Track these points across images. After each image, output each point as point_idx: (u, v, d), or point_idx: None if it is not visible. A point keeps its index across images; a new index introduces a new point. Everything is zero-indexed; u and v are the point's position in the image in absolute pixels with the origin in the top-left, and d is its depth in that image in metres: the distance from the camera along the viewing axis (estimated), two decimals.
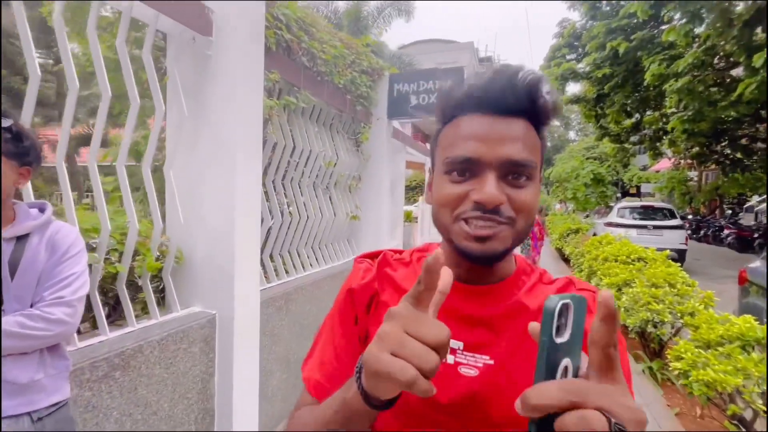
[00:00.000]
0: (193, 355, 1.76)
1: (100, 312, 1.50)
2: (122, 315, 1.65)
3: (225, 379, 1.88)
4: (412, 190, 10.56)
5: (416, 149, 5.77)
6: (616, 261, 4.35)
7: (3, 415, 0.94)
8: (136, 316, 1.67)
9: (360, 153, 3.76)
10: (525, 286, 0.57)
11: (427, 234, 6.67)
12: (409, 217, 9.48)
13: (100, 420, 1.38)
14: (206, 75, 1.87)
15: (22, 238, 1.04)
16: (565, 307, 0.32)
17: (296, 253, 2.85)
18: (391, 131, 4.09)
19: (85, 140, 10.34)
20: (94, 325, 1.55)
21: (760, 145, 11.68)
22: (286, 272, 2.71)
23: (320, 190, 3.18)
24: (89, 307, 1.48)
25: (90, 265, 1.45)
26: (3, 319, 0.95)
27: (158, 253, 1.80)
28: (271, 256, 2.59)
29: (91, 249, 1.50)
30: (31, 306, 1.02)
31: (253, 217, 1.96)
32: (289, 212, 2.71)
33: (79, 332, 1.46)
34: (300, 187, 2.90)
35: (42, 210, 1.12)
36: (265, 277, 2.50)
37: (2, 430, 0.93)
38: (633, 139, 13.91)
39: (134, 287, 1.77)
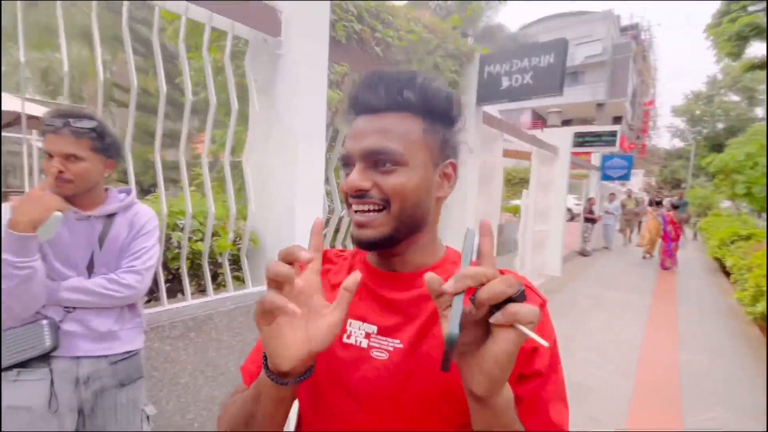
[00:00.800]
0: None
1: (185, 281, 1.79)
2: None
3: None
4: (516, 185, 9.69)
5: (518, 136, 5.24)
6: None
7: (87, 355, 1.19)
8: (215, 289, 1.94)
9: None
10: (446, 274, 0.52)
11: (530, 229, 6.04)
12: (516, 212, 8.76)
13: (177, 371, 1.65)
14: (276, 73, 2.02)
15: (110, 217, 1.29)
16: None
17: None
18: (481, 118, 3.79)
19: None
20: (172, 294, 1.85)
21: None
22: None
23: None
24: (176, 277, 1.78)
25: (178, 242, 1.74)
26: (91, 280, 1.20)
27: (235, 236, 2.05)
28: (344, 246, 2.70)
29: (179, 229, 1.80)
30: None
31: (314, 206, 2.06)
32: None
33: (165, 297, 1.76)
34: None
35: (128, 194, 1.37)
36: None
37: (85, 369, 1.19)
38: None
39: (217, 264, 2.05)
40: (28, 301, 1.09)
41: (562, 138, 7.24)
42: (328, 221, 2.58)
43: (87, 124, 1.19)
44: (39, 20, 6.89)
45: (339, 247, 2.68)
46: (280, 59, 2.00)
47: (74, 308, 1.18)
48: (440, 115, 0.57)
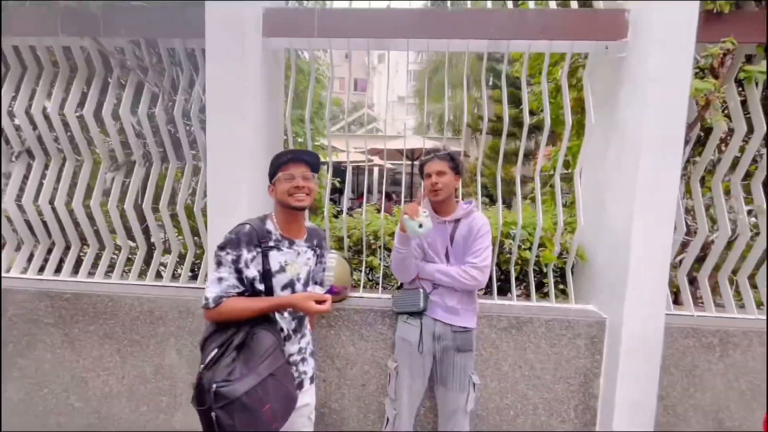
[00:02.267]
0: (577, 347, 1.90)
1: (512, 283, 2.04)
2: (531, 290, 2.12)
3: (609, 389, 1.84)
4: None
5: None
6: None
7: (440, 319, 1.67)
8: (539, 297, 2.07)
9: None
10: None
11: None
12: None
13: (499, 358, 1.93)
14: (617, 79, 1.86)
15: (457, 221, 1.73)
16: None
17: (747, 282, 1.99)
18: None
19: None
20: (502, 292, 2.12)
21: None
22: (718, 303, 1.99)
23: None
24: (507, 277, 2.07)
25: (510, 248, 2.03)
26: (451, 267, 1.67)
27: (563, 249, 2.08)
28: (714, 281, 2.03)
29: (511, 237, 2.08)
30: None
31: (659, 226, 1.72)
32: (750, 224, 1.95)
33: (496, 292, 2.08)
34: None
35: (470, 204, 1.78)
36: (676, 301, 2.02)
37: (439, 329, 1.67)
38: None
39: (543, 273, 2.17)
40: (405, 272, 1.69)
41: None
42: (686, 245, 2.04)
43: (444, 152, 1.68)
44: (440, 81, 9.78)
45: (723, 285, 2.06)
46: (622, 63, 1.83)
47: (438, 285, 1.69)
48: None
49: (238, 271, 1.24)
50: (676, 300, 2.14)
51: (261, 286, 1.27)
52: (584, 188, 2.08)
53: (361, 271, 2.11)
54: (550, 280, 2.07)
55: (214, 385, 1.08)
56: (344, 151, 2.17)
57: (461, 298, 1.68)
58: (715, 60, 1.76)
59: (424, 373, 1.70)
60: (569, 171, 2.18)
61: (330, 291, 1.51)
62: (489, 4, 2.00)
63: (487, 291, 2.15)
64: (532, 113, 2.29)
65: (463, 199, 1.83)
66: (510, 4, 1.96)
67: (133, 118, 2.14)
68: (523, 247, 2.08)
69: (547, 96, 1.98)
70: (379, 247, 2.13)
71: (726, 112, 1.92)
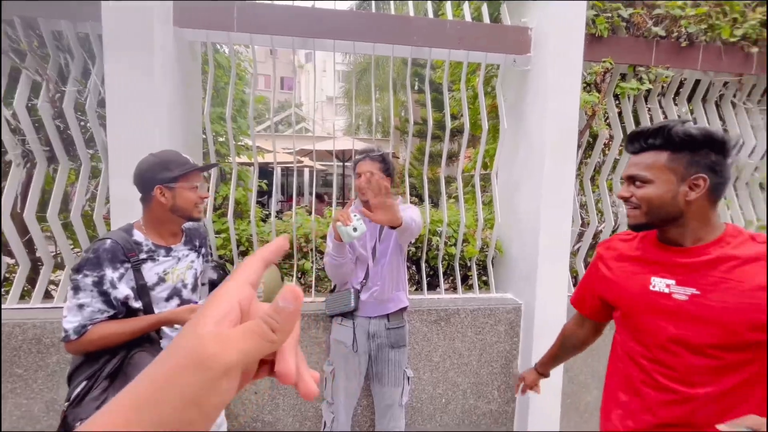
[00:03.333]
0: (498, 332, 2.08)
1: (440, 278, 2.16)
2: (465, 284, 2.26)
3: (525, 367, 2.05)
4: None
5: None
6: None
7: (373, 316, 1.70)
8: (465, 289, 2.22)
9: None
10: (723, 245, 0.90)
11: None
12: None
13: (431, 349, 2.03)
14: (524, 89, 2.08)
15: None
16: None
17: None
18: None
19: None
20: (432, 287, 2.24)
21: None
22: None
23: None
24: (435, 273, 2.18)
25: (437, 245, 2.13)
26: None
27: (484, 244, 2.26)
28: None
29: (438, 234, 2.19)
30: None
31: (560, 220, 1.96)
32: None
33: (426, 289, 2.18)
34: None
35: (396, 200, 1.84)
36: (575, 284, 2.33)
37: (373, 328, 1.70)
38: None
39: (468, 267, 2.33)
40: (342, 278, 1.68)
41: None
42: (581, 235, 2.36)
43: (377, 152, 1.72)
44: (368, 83, 9.95)
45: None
46: (528, 75, 2.05)
47: (371, 285, 1.70)
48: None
49: (104, 294, 1.09)
50: (576, 283, 2.46)
51: (138, 304, 1.15)
52: (500, 187, 2.29)
53: (292, 275, 2.05)
54: (474, 273, 2.23)
55: (78, 424, 0.95)
56: (271, 151, 2.09)
57: (389, 286, 1.70)
58: (597, 76, 2.07)
59: (360, 372, 1.71)
60: (488, 172, 2.37)
61: None
62: (411, 12, 2.09)
63: (418, 287, 2.24)
64: (454, 117, 2.44)
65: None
66: (430, 13, 2.07)
67: (6, 111, 1.80)
68: (448, 243, 2.21)
69: (466, 102, 2.13)
70: (311, 250, 2.10)
71: (608, 121, 2.27)
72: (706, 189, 0.85)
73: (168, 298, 1.22)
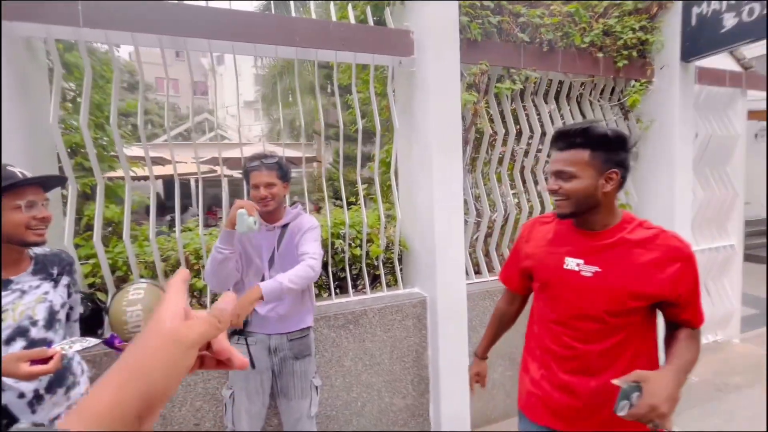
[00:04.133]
0: (407, 327, 2.12)
1: (348, 280, 2.14)
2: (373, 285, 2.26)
3: (434, 357, 2.13)
4: None
5: None
6: None
7: (274, 332, 1.61)
8: (378, 288, 2.23)
9: (633, 122, 2.88)
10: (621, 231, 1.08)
11: None
12: None
13: (341, 354, 2.00)
14: (412, 90, 2.16)
15: (285, 227, 1.70)
16: None
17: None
18: (694, 78, 2.83)
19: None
20: (344, 290, 2.22)
21: None
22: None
23: None
24: (337, 277, 2.16)
25: (342, 248, 2.11)
26: (291, 271, 1.57)
27: (389, 242, 2.29)
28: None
29: (341, 237, 2.17)
30: None
31: (451, 212, 2.07)
32: (517, 204, 2.56)
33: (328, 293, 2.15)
34: (536, 176, 2.66)
35: (297, 208, 1.77)
36: (476, 271, 2.52)
37: (274, 342, 1.60)
38: None
39: (375, 266, 2.35)
40: (223, 278, 1.55)
41: None
42: (478, 225, 2.53)
43: (271, 159, 1.64)
44: (287, 86, 9.63)
45: (490, 251, 2.57)
46: (414, 76, 2.14)
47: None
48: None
49: None
50: (479, 270, 2.64)
51: None
52: (401, 185, 2.35)
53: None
54: (381, 271, 2.26)
55: None
56: (175, 162, 1.91)
57: (293, 302, 1.65)
58: (476, 78, 2.23)
59: (263, 391, 1.61)
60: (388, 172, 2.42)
61: (108, 342, 1.13)
62: (293, 12, 2.04)
63: (327, 292, 2.19)
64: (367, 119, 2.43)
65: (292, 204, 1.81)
66: (313, 15, 2.05)
67: None
68: (353, 245, 2.20)
69: (376, 103, 2.14)
70: (203, 266, 1.92)
71: (492, 118, 2.47)
72: (617, 182, 1.01)
73: (9, 340, 1.02)
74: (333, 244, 2.13)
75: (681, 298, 0.99)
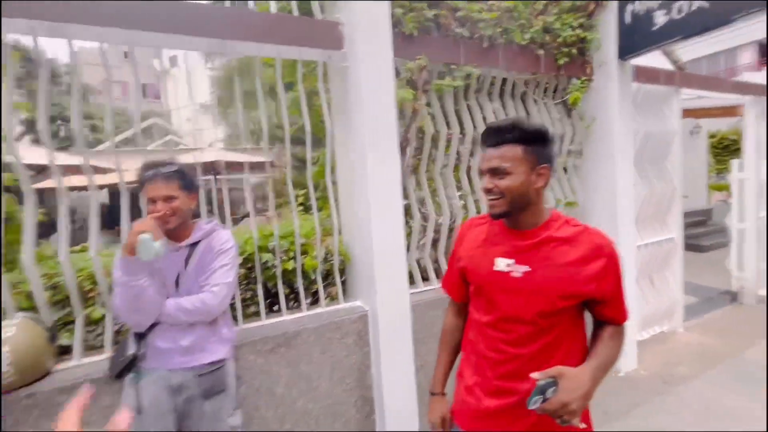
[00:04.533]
0: (347, 345, 1.95)
1: (281, 298, 1.93)
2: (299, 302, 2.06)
3: (378, 374, 1.96)
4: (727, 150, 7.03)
5: (707, 86, 3.77)
6: None
7: (176, 367, 1.37)
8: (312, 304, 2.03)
9: (577, 119, 2.87)
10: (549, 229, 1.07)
11: (750, 214, 4.23)
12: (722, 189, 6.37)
13: (272, 383, 1.78)
14: (345, 87, 2.00)
15: (194, 245, 1.48)
16: None
17: None
18: (631, 76, 2.87)
19: None
20: (274, 310, 2.01)
21: None
22: None
23: None
24: (271, 294, 1.94)
25: (266, 262, 1.89)
26: (177, 300, 1.38)
27: (328, 253, 2.11)
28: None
29: (270, 251, 1.96)
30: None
31: (390, 216, 1.92)
32: (464, 206, 2.46)
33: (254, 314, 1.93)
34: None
35: (210, 223, 1.55)
36: (425, 278, 2.39)
37: (177, 379, 1.37)
38: None
39: (311, 279, 2.15)
40: (144, 312, 1.31)
41: None
42: (425, 229, 2.39)
43: (171, 168, 1.40)
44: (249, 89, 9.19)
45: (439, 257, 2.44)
46: (347, 72, 1.97)
47: (166, 327, 1.38)
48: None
49: None
50: (427, 277, 2.50)
51: None
52: (340, 190, 2.17)
53: (73, 331, 1.57)
54: (320, 285, 2.06)
55: None
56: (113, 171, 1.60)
57: (202, 330, 1.42)
58: (414, 74, 2.10)
59: None
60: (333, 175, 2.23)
61: None
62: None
63: (255, 313, 1.97)
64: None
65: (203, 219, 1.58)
66: (228, 3, 1.83)
67: None
68: (285, 258, 2.00)
69: (285, 106, 1.95)
70: (100, 293, 1.64)
71: (433, 117, 2.34)
72: (547, 177, 0.98)
73: None
74: (261, 258, 1.91)
75: (606, 295, 0.99)
